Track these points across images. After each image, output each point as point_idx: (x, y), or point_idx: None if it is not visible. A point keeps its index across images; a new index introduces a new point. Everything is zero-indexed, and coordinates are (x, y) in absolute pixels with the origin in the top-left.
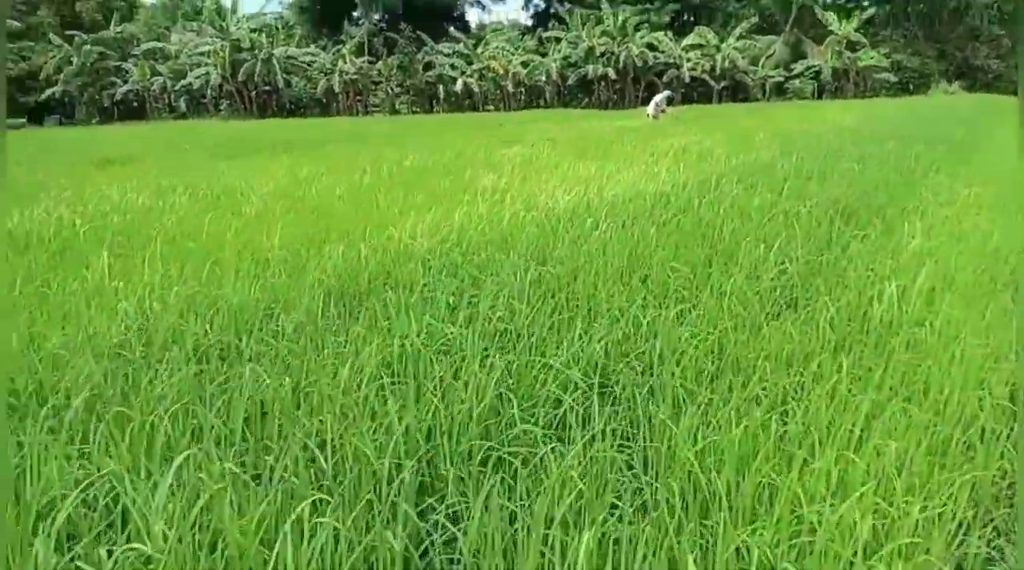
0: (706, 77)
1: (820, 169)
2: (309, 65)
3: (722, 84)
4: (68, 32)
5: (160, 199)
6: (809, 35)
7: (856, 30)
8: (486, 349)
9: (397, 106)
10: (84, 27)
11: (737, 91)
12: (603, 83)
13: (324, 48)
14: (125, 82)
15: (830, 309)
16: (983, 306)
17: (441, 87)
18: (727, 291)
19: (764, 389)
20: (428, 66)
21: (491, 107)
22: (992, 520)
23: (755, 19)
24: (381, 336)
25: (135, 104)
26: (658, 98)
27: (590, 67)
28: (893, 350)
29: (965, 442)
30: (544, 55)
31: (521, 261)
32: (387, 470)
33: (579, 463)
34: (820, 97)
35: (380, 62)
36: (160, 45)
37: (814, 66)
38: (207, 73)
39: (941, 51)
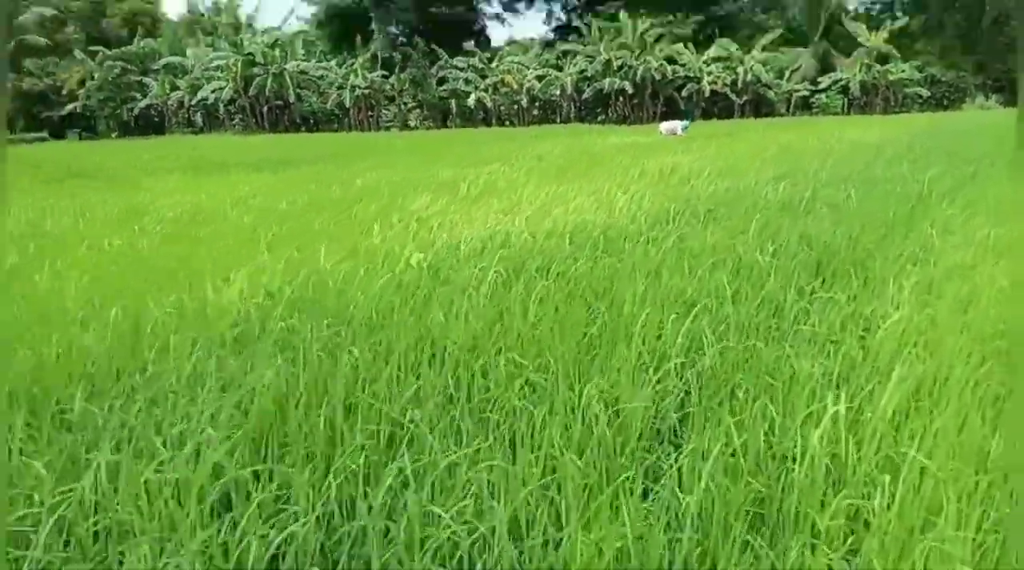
0: (727, 91)
1: (810, 197)
2: (321, 79)
3: (744, 98)
4: (91, 48)
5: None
6: (838, 47)
7: (887, 41)
8: None
9: (410, 121)
10: (109, 43)
11: (760, 105)
12: (620, 98)
13: (342, 63)
14: (145, 97)
15: (724, 453)
16: (978, 445)
17: (454, 102)
18: (570, 422)
19: None
20: (442, 81)
21: (506, 122)
22: None
23: (781, 31)
24: None
25: (156, 119)
26: (678, 126)
27: (606, 81)
28: None
29: None
30: (561, 69)
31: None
32: None
33: None
34: (848, 112)
35: (393, 76)
36: (179, 60)
37: (841, 80)
38: (221, 87)
39: (979, 63)
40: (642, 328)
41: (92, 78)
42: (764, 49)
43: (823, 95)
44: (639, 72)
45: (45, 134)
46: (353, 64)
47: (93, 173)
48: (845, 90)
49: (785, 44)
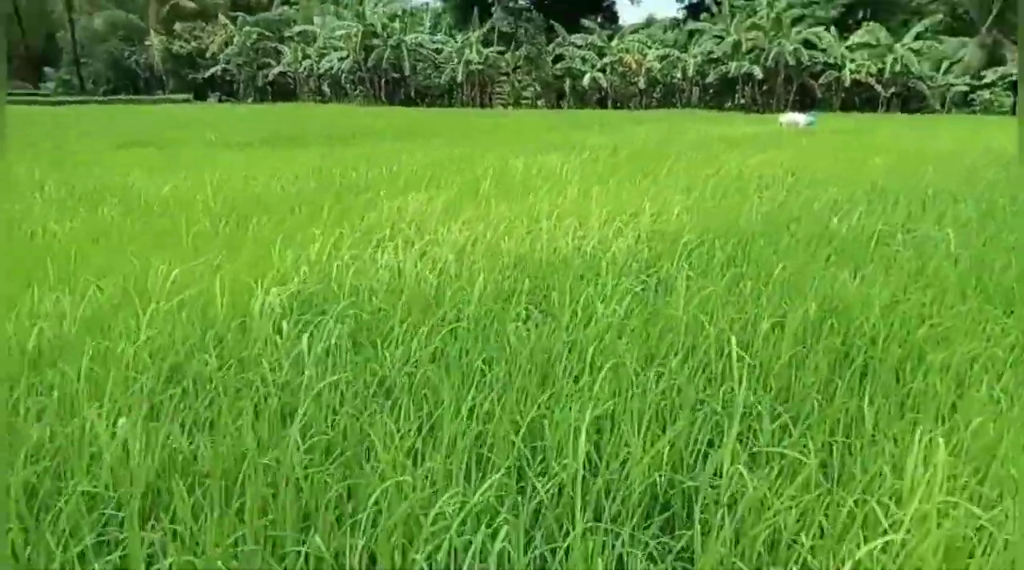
0: (872, 81)
1: (797, 280)
2: (437, 53)
3: (891, 91)
4: (232, 13)
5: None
6: (1011, 38)
7: None
8: None
9: (523, 100)
10: (251, 8)
11: (910, 100)
12: (748, 83)
13: (460, 38)
14: (279, 63)
15: None
16: None
17: (568, 81)
18: None
19: None
20: (558, 59)
21: (621, 106)
22: None
23: (942, 16)
24: None
25: (289, 86)
26: (800, 119)
27: (733, 64)
28: None
29: None
30: (686, 50)
31: None
32: None
33: None
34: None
35: (508, 53)
36: (310, 28)
37: (1012, 75)
38: (342, 58)
39: None
40: None
41: (232, 43)
42: (919, 37)
43: (987, 91)
44: (771, 55)
45: (189, 95)
46: (468, 38)
47: (162, 141)
48: (1014, 87)
49: (948, 32)
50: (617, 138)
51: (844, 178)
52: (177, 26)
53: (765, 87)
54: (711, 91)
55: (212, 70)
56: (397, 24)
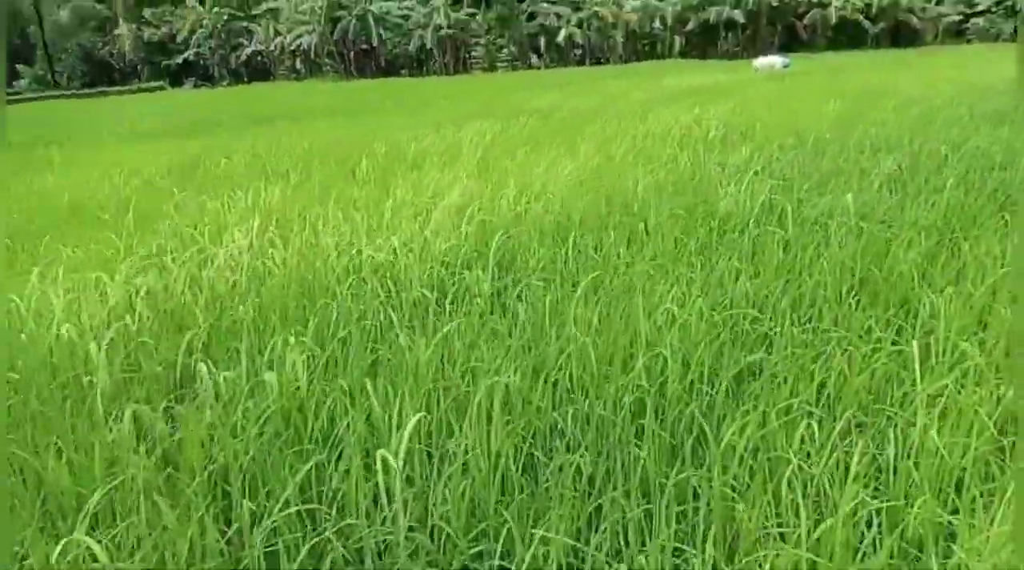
0: (860, 17)
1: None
2: (405, 20)
3: (880, 26)
4: None
5: None
6: None
7: None
8: None
9: (498, 63)
10: None
11: (901, 34)
12: (732, 29)
13: (426, 2)
14: (250, 43)
15: None
16: None
17: (543, 39)
18: None
19: None
20: (532, 17)
21: (601, 60)
22: None
23: None
24: None
25: (263, 65)
26: (777, 61)
27: (712, 10)
28: None
29: None
30: None
31: None
32: None
33: None
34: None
35: (479, 14)
36: (277, 3)
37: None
38: (309, 32)
39: None
40: None
41: (202, 26)
42: None
43: (981, 19)
44: None
45: (162, 83)
46: (435, 2)
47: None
48: (1013, 11)
49: None
50: (573, 99)
51: (781, 129)
52: (146, 12)
53: (748, 31)
54: (693, 40)
55: (185, 55)
56: None
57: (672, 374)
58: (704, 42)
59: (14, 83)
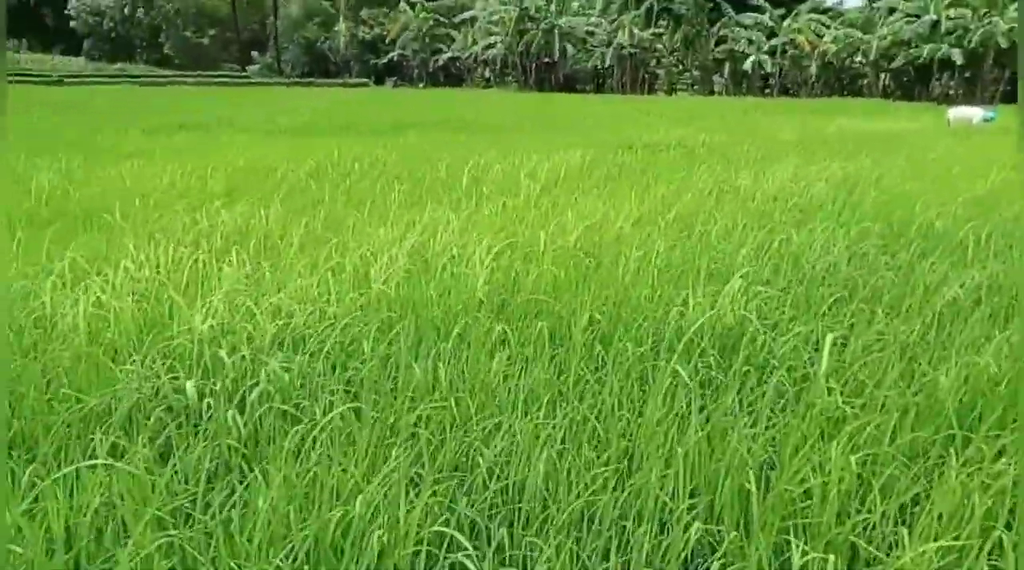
0: None
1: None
2: (591, 35)
3: None
4: (412, 0)
5: None
6: None
7: None
8: None
9: (678, 87)
10: None
11: None
12: (947, 69)
13: (614, 20)
14: (449, 49)
15: None
16: None
17: (729, 65)
18: None
19: None
20: (721, 40)
21: (790, 92)
22: None
23: None
24: None
25: (456, 71)
26: (976, 114)
27: (927, 47)
28: None
29: None
30: (869, 31)
31: None
32: None
33: None
34: None
35: (666, 35)
36: (475, 13)
37: None
38: (495, 43)
39: None
40: None
41: (409, 28)
42: None
43: None
44: (976, 37)
45: (368, 80)
46: (622, 19)
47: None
48: None
49: None
50: (701, 133)
51: (893, 204)
52: (364, 12)
53: (968, 74)
54: (903, 78)
55: (390, 55)
56: (553, 6)
57: None
58: (912, 82)
59: (247, 67)
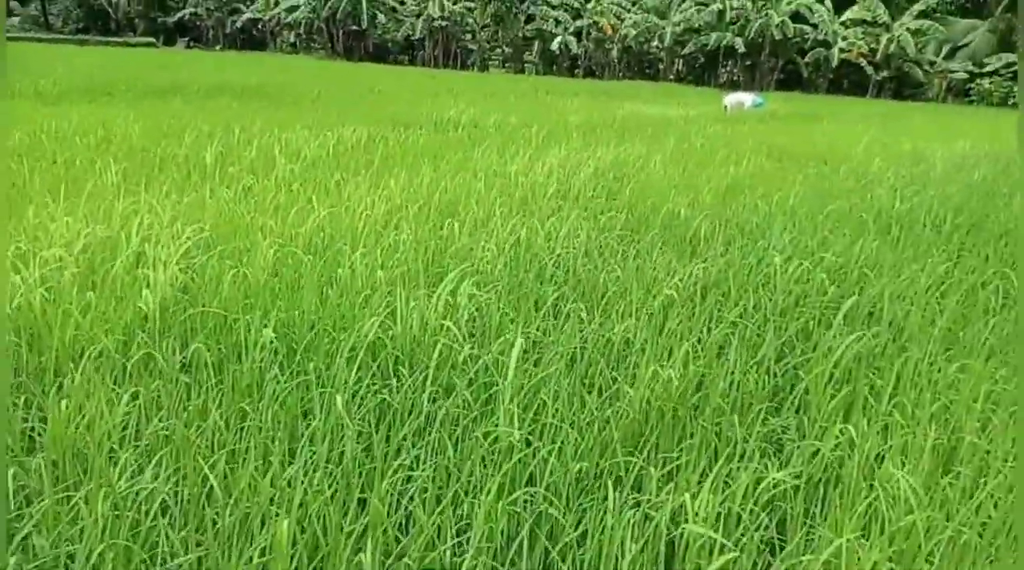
0: (863, 63)
1: None
2: (401, 3)
3: (883, 74)
4: None
5: None
6: None
7: None
8: None
9: (488, 63)
10: None
11: (904, 85)
12: (731, 57)
13: None
14: (248, 10)
15: None
16: None
17: (538, 44)
18: None
19: None
20: (530, 19)
21: (595, 74)
22: None
23: None
24: None
25: (257, 34)
26: (747, 99)
27: (714, 35)
28: None
29: None
30: (665, 17)
31: None
32: None
33: None
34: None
35: (477, 9)
36: None
37: (1015, 64)
38: (296, 6)
39: None
40: None
41: None
42: (925, 15)
43: (987, 80)
44: (755, 27)
45: (151, 39)
46: None
47: None
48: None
49: (959, 13)
50: (496, 113)
51: (653, 191)
52: None
53: (748, 62)
54: (694, 64)
55: (181, 13)
56: None
57: None
58: (703, 68)
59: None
